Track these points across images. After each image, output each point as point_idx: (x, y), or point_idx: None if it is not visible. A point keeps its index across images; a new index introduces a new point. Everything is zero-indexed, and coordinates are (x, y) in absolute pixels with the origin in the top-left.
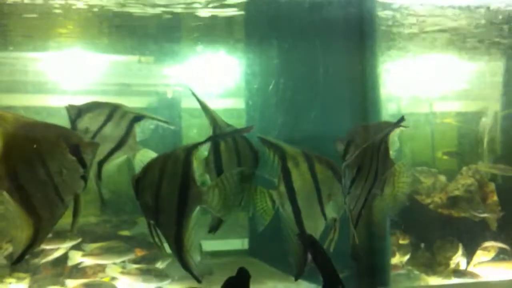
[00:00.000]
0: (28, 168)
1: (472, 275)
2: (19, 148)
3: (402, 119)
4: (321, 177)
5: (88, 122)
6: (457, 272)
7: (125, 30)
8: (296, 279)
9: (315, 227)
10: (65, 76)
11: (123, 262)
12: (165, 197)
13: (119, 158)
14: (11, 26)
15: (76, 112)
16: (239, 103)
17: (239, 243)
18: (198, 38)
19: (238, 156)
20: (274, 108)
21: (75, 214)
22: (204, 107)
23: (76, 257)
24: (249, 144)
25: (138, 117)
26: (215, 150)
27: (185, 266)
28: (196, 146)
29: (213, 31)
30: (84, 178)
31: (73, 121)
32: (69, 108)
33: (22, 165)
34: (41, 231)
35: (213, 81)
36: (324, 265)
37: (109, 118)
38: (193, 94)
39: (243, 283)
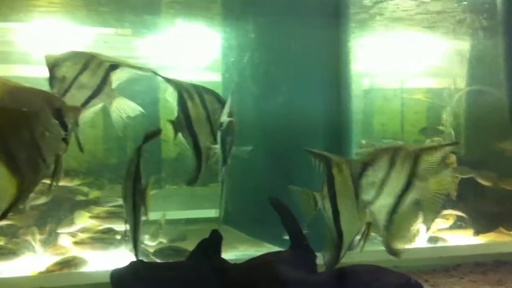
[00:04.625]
0: (13, 130)
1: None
2: (5, 111)
3: (456, 143)
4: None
5: (65, 71)
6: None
7: (103, 2)
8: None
9: (351, 228)
10: (42, 47)
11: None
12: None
13: (96, 106)
14: None
15: (54, 61)
16: (216, 76)
17: (212, 212)
18: (176, 11)
19: (206, 110)
20: (250, 80)
21: (55, 174)
22: (166, 79)
23: (84, 218)
24: (216, 97)
25: (114, 66)
26: (183, 109)
27: (136, 254)
28: (140, 147)
29: (192, 5)
30: (66, 140)
31: (51, 70)
32: (47, 58)
33: (8, 127)
34: (24, 190)
35: (190, 54)
36: (291, 226)
37: (85, 67)
38: (154, 73)
39: (216, 244)
